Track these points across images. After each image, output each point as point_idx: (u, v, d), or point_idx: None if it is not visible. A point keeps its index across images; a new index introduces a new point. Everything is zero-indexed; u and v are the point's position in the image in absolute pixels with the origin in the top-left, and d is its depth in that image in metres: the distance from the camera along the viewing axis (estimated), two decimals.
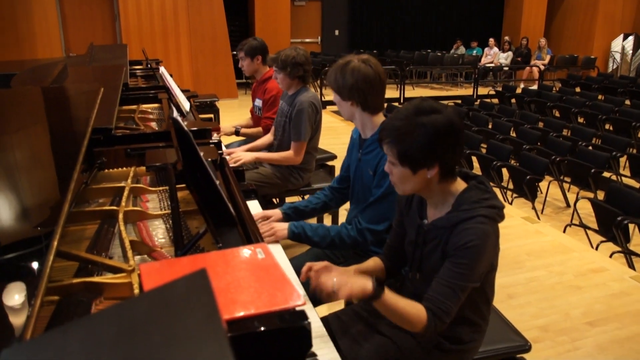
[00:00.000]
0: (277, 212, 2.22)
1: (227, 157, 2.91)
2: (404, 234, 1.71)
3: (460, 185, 1.54)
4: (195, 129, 2.55)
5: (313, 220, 2.90)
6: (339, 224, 3.46)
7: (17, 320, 0.96)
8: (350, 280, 1.42)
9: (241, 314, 1.06)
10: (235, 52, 9.59)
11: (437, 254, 1.51)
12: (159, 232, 1.74)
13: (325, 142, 4.09)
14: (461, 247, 1.42)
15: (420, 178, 1.48)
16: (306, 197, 3.89)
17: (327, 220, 3.63)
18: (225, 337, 0.55)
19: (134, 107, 3.52)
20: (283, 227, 2.05)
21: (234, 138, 4.02)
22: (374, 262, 1.81)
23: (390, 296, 1.45)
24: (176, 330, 0.58)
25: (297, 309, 1.11)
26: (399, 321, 1.48)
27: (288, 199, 3.77)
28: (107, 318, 0.62)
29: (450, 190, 1.52)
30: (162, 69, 3.99)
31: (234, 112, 8.58)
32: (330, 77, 2.01)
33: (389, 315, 1.48)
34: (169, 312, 0.61)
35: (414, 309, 1.47)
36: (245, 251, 1.29)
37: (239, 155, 3.13)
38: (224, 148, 2.99)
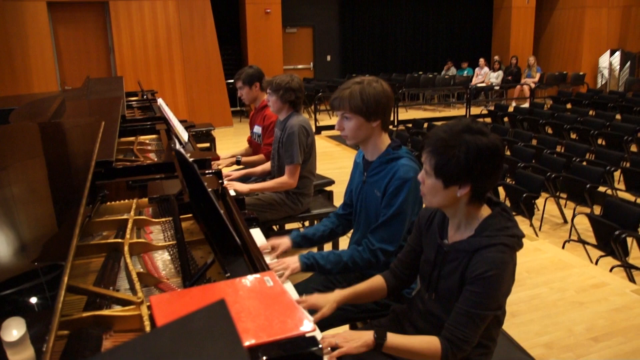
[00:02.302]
0: (285, 241, 2.17)
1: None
2: (419, 251, 1.72)
3: (484, 210, 1.55)
4: (194, 159, 2.58)
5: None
6: (341, 247, 3.48)
7: (15, 357, 0.96)
8: (352, 337, 1.48)
9: (253, 341, 1.08)
10: (229, 81, 9.69)
11: (456, 276, 1.52)
12: (163, 263, 1.76)
13: (322, 167, 4.12)
14: (479, 275, 1.44)
15: (449, 194, 1.48)
16: (306, 223, 3.91)
17: (327, 245, 3.63)
18: None
19: (132, 138, 3.56)
20: (294, 261, 1.99)
21: (236, 167, 4.04)
22: (372, 282, 1.81)
23: (396, 340, 1.50)
24: (201, 359, 0.59)
25: (308, 335, 1.13)
26: (413, 358, 1.52)
27: (288, 226, 3.78)
28: (132, 350, 0.64)
29: (476, 214, 1.53)
30: (160, 101, 4.03)
31: (230, 140, 8.64)
32: (355, 100, 1.92)
33: (401, 355, 1.53)
34: (192, 342, 0.62)
35: (425, 343, 1.50)
36: (254, 280, 1.31)
37: (233, 185, 3.14)
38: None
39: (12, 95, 7.28)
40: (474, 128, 1.45)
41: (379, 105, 1.94)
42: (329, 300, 1.68)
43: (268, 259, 2.01)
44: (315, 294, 1.70)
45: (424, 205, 1.73)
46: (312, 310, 1.66)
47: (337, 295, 1.72)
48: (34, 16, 8.60)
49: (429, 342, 1.50)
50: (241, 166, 3.89)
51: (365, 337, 1.48)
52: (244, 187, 3.15)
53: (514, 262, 1.50)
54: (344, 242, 2.68)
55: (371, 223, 2.08)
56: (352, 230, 2.32)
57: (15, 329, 1.01)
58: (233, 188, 3.08)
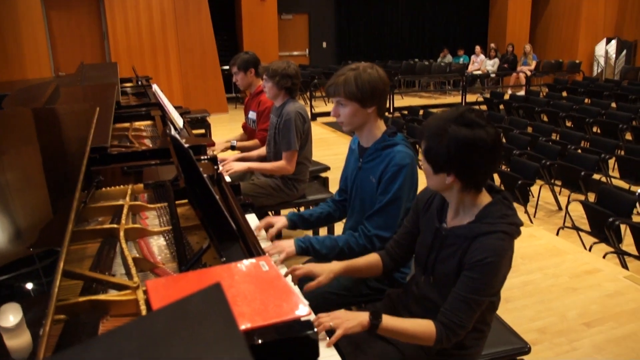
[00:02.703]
0: (281, 219, 2.19)
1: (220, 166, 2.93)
2: (415, 233, 1.74)
3: (485, 197, 1.56)
4: (189, 145, 2.58)
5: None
6: (336, 232, 3.48)
7: (12, 342, 0.96)
8: (347, 318, 1.48)
9: (249, 325, 1.08)
10: (224, 68, 9.62)
11: (454, 261, 1.53)
12: (159, 249, 1.76)
13: (317, 153, 4.12)
14: (478, 262, 1.45)
15: (439, 179, 1.51)
16: (302, 209, 3.91)
17: (322, 230, 3.64)
18: (245, 346, 0.58)
19: (127, 124, 3.55)
20: (290, 244, 2.00)
21: (231, 153, 4.03)
22: (368, 258, 1.83)
23: (391, 322, 1.51)
24: (197, 341, 0.60)
25: (303, 318, 1.14)
26: (407, 340, 1.54)
27: (283, 212, 3.78)
28: (127, 333, 0.64)
29: (474, 201, 1.54)
30: (154, 87, 4.01)
31: (225, 127, 8.61)
32: (349, 86, 1.92)
33: (396, 337, 1.54)
34: (188, 325, 0.63)
35: (420, 326, 1.51)
36: (249, 264, 1.32)
37: (231, 165, 3.15)
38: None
39: (5, 81, 7.23)
40: (465, 119, 1.44)
41: (374, 91, 1.94)
42: (325, 269, 1.69)
43: (264, 243, 2.02)
44: (311, 263, 1.71)
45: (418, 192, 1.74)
46: (309, 279, 1.67)
47: (334, 265, 1.73)
48: (27, 1, 8.51)
49: (424, 325, 1.51)
50: (236, 152, 3.88)
51: (360, 317, 1.49)
52: (242, 166, 3.16)
53: (512, 249, 1.51)
54: (338, 228, 2.69)
55: (366, 209, 2.08)
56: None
57: (11, 314, 1.01)
58: (231, 168, 3.08)
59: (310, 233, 3.73)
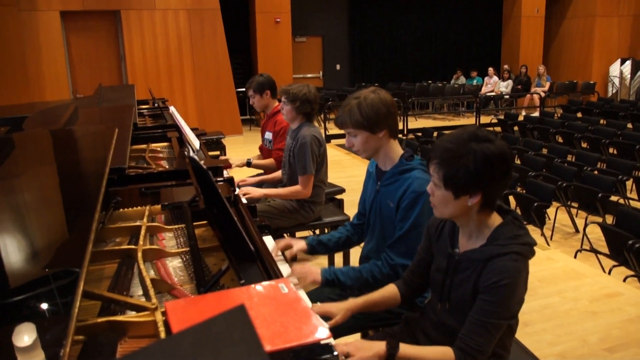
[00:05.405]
0: (301, 242, 2.18)
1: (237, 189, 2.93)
2: (429, 260, 1.72)
3: (496, 218, 1.54)
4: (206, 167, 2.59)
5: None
6: (352, 256, 3.46)
7: None
8: (364, 347, 1.47)
9: (269, 348, 1.07)
10: (239, 90, 9.72)
11: (469, 286, 1.51)
12: (176, 270, 1.76)
13: (332, 175, 4.13)
14: (493, 284, 1.43)
15: (461, 204, 1.47)
16: (317, 231, 3.91)
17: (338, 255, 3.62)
18: None
19: (144, 146, 3.58)
20: (317, 272, 1.99)
21: (247, 172, 4.06)
22: (385, 291, 1.81)
23: (408, 350, 1.49)
24: None
25: (323, 342, 1.13)
26: None
27: (299, 234, 3.78)
28: (152, 354, 0.64)
29: (487, 223, 1.52)
30: (172, 109, 4.07)
31: (240, 149, 8.66)
32: (354, 116, 1.94)
33: None
34: (213, 347, 0.62)
35: (438, 354, 1.48)
36: (268, 286, 1.31)
37: (248, 190, 3.16)
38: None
39: (26, 103, 7.36)
40: (481, 136, 1.44)
41: (379, 115, 1.95)
42: (342, 308, 1.67)
43: (286, 267, 2.01)
44: (328, 302, 1.70)
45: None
46: (325, 318, 1.65)
47: (351, 303, 1.71)
48: (48, 25, 8.71)
49: (442, 352, 1.48)
50: (253, 169, 3.91)
51: (377, 347, 1.47)
52: (258, 192, 3.17)
53: (527, 270, 1.49)
54: (355, 252, 2.68)
55: (386, 232, 2.08)
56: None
57: (26, 335, 1.01)
58: (248, 193, 3.10)
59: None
